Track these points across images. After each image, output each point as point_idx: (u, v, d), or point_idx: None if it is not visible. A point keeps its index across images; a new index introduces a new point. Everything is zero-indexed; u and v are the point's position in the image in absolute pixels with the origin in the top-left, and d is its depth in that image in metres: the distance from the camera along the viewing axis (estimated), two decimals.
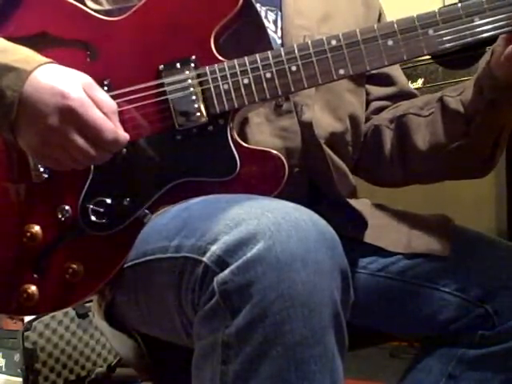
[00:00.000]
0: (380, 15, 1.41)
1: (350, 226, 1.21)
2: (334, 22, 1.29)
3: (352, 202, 1.25)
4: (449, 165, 1.29)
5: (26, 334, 2.44)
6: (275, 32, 1.25)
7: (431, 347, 1.24)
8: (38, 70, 1.00)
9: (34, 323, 2.46)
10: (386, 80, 1.40)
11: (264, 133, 1.18)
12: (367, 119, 1.39)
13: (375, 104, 1.40)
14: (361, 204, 1.28)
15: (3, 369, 2.86)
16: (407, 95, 1.41)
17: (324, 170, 1.22)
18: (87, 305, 2.53)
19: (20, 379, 2.51)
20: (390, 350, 2.20)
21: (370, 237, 1.25)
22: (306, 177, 1.21)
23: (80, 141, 1.00)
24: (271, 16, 1.26)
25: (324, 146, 1.22)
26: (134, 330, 1.18)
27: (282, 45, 1.23)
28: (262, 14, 1.24)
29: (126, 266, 1.09)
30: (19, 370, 2.50)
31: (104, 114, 1.01)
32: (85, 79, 1.02)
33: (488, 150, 1.25)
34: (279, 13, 1.26)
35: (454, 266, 1.20)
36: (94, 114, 1.00)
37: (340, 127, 1.28)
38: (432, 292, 1.21)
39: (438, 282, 1.21)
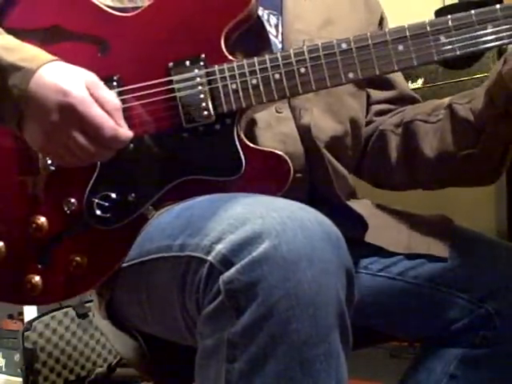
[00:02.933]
0: (382, 19, 1.41)
1: (350, 227, 1.21)
2: (336, 26, 1.29)
3: (352, 203, 1.25)
4: (456, 173, 1.28)
5: (26, 334, 2.43)
6: (276, 36, 1.25)
7: (432, 347, 1.24)
8: (43, 68, 1.01)
9: (34, 323, 2.46)
10: (385, 84, 1.40)
11: (265, 138, 1.18)
12: (369, 122, 1.39)
13: (376, 107, 1.40)
14: (361, 205, 1.28)
15: (3, 369, 2.86)
16: (408, 99, 1.41)
17: (324, 174, 1.22)
18: (87, 305, 2.53)
19: (20, 379, 2.51)
20: (389, 350, 2.20)
21: (370, 237, 1.25)
22: (306, 182, 1.21)
23: (80, 138, 1.01)
24: (273, 20, 1.26)
25: (323, 150, 1.22)
26: (135, 330, 1.19)
27: (283, 49, 1.23)
28: (264, 18, 1.24)
29: (128, 264, 1.10)
30: (19, 370, 2.50)
31: (106, 111, 1.02)
32: (89, 77, 1.03)
33: (497, 158, 1.23)
34: (280, 17, 1.27)
35: (455, 266, 1.20)
36: (94, 112, 1.00)
37: (340, 130, 1.28)
38: (433, 293, 1.21)
39: (439, 283, 1.21)
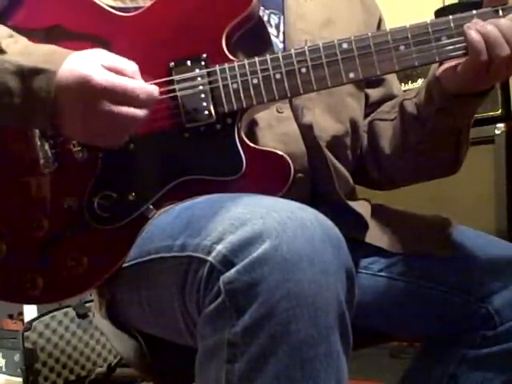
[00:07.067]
0: (380, 22, 1.42)
1: (350, 227, 1.21)
2: (336, 27, 1.30)
3: (353, 203, 1.25)
4: (417, 166, 1.32)
5: (26, 334, 2.44)
6: (277, 36, 1.25)
7: (432, 347, 1.24)
8: (63, 65, 1.03)
9: (34, 323, 2.47)
10: (375, 83, 1.40)
11: (266, 138, 1.18)
12: None
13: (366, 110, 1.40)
14: (361, 205, 1.29)
15: (3, 369, 2.87)
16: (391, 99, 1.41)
17: (325, 173, 1.22)
18: (87, 305, 2.54)
19: (20, 379, 2.52)
20: (389, 349, 2.20)
21: (370, 237, 1.25)
22: (308, 182, 1.21)
23: (118, 108, 1.01)
24: (274, 20, 1.26)
25: (325, 149, 1.22)
26: (135, 330, 1.19)
27: (284, 49, 1.23)
28: (265, 18, 1.25)
29: (129, 264, 1.10)
30: (19, 370, 2.51)
31: (129, 77, 1.03)
32: (99, 55, 1.04)
33: (451, 151, 1.27)
34: (282, 17, 1.27)
35: (455, 266, 1.21)
36: (120, 81, 1.02)
37: (341, 130, 1.28)
38: (433, 292, 1.21)
39: (439, 283, 1.21)
